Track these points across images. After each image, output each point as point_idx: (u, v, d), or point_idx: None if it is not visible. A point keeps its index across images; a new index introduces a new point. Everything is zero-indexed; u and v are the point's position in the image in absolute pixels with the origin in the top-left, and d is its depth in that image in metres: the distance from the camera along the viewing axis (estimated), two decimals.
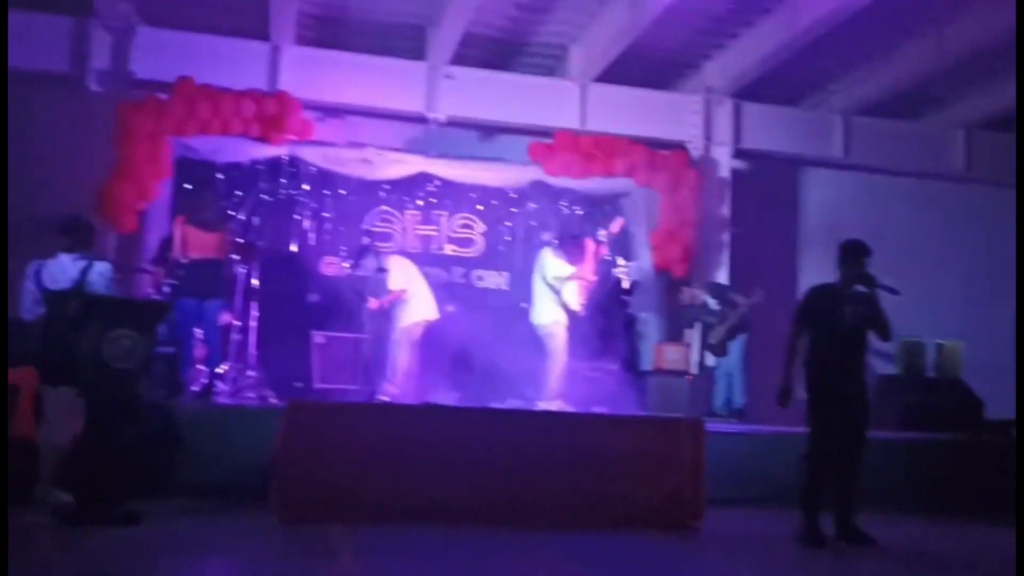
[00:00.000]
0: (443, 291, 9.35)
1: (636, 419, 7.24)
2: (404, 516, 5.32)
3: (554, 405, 8.07)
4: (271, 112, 9.45)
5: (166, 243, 8.12)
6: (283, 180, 9.74)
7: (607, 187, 10.54)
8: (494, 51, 10.65)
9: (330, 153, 9.83)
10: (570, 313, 8.51)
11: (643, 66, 10.61)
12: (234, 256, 7.92)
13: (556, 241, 9.18)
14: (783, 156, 11.69)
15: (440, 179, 10.17)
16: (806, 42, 9.45)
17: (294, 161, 9.74)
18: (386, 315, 8.53)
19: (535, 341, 8.53)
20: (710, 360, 9.94)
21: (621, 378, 9.23)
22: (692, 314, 10.05)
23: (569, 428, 6.15)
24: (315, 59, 10.18)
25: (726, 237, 11.08)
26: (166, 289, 7.66)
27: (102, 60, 9.56)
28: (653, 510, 5.77)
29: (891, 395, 8.92)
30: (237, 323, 8.02)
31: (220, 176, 9.50)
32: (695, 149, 11.09)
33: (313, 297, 9.45)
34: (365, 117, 10.43)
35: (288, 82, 9.90)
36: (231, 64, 9.79)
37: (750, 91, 11.06)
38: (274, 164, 9.70)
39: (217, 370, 7.72)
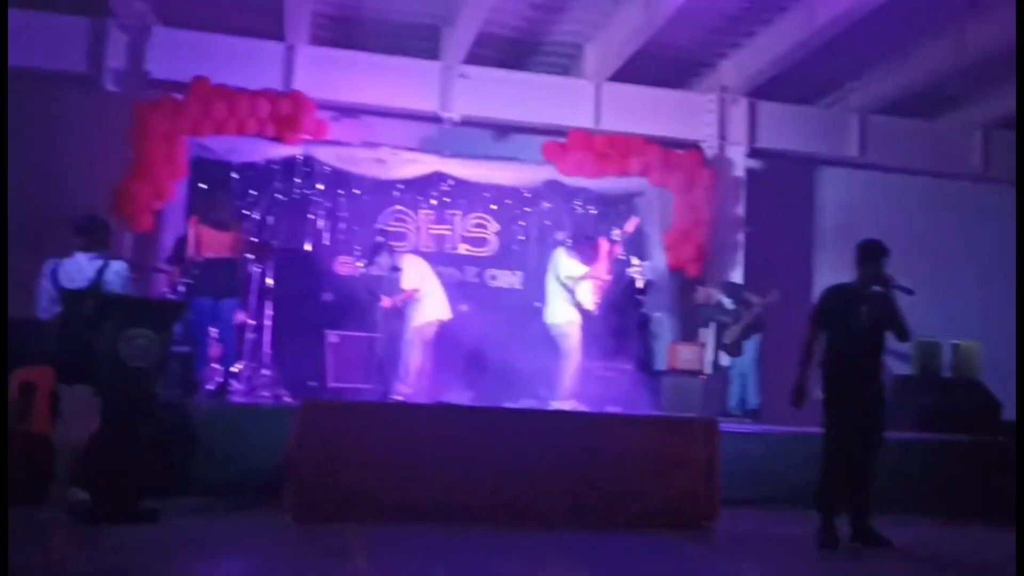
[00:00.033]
0: (457, 290, 9.35)
1: (650, 419, 7.22)
2: (417, 515, 5.32)
3: (568, 405, 8.06)
4: (286, 112, 9.48)
5: (181, 243, 8.16)
6: (298, 180, 9.77)
7: (621, 187, 10.52)
8: (508, 50, 10.65)
9: (344, 153, 9.86)
10: (584, 313, 8.49)
11: (658, 65, 10.58)
12: (249, 255, 7.95)
13: (570, 241, 9.17)
14: (798, 155, 11.63)
15: (454, 178, 10.18)
16: (822, 41, 9.39)
17: (309, 161, 9.77)
18: (399, 314, 8.54)
19: (549, 340, 8.52)
20: (724, 360, 9.92)
21: (635, 378, 9.21)
22: (707, 313, 10.02)
23: (583, 428, 6.14)
24: (330, 59, 10.20)
25: (741, 237, 11.04)
26: (181, 288, 7.70)
27: (118, 60, 9.62)
28: (667, 510, 5.75)
29: (907, 396, 8.85)
30: (252, 322, 8.06)
31: (235, 176, 9.54)
32: (710, 148, 11.05)
33: (327, 296, 9.47)
34: (379, 117, 10.45)
35: (303, 82, 9.93)
36: (246, 64, 9.82)
37: (765, 90, 11.01)
38: (289, 164, 9.74)
39: (232, 369, 7.75)
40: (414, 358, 8.30)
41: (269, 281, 8.12)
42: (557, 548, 5.12)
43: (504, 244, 10.54)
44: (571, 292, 8.44)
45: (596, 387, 8.58)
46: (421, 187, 10.22)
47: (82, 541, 4.66)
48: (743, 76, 10.76)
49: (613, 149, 10.32)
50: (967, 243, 11.62)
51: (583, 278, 8.47)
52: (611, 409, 7.99)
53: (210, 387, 7.63)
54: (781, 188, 11.51)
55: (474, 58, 10.28)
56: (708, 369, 9.67)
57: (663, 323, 10.37)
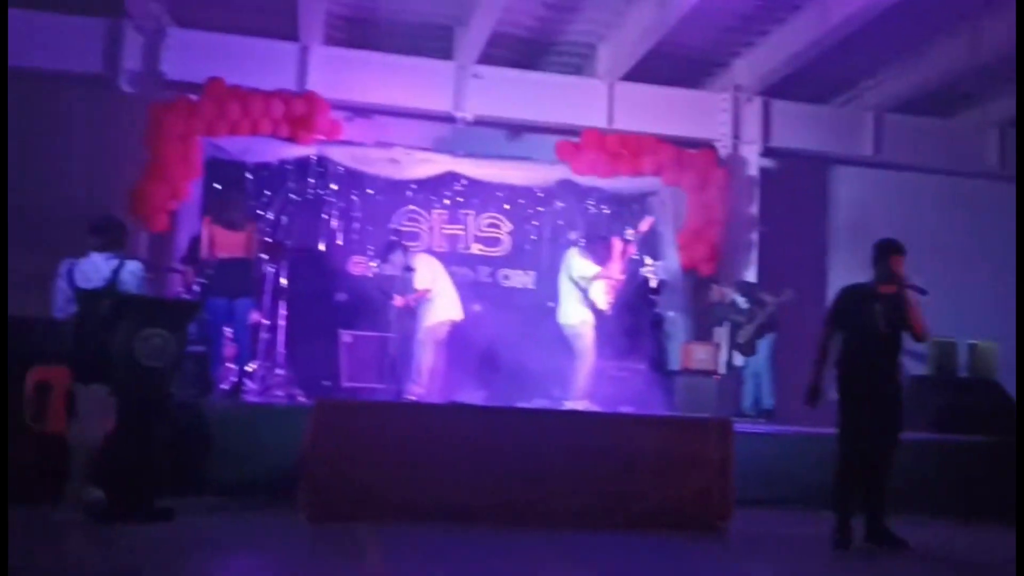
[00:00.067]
0: (470, 290, 9.36)
1: (664, 419, 7.21)
2: (431, 515, 5.33)
3: (581, 405, 8.05)
4: (300, 112, 9.51)
5: (195, 242, 8.19)
6: (311, 180, 9.80)
7: (634, 186, 10.50)
8: (522, 50, 10.65)
9: (358, 153, 9.88)
10: (597, 313, 8.48)
11: (671, 64, 10.55)
12: (263, 255, 7.98)
13: (583, 241, 9.15)
14: (812, 154, 11.58)
15: (467, 178, 10.18)
16: (836, 39, 9.35)
17: (322, 161, 9.80)
18: (413, 314, 8.55)
19: (562, 340, 8.51)
20: (738, 360, 9.88)
21: (648, 378, 9.19)
22: (721, 312, 9.99)
23: (596, 428, 6.13)
24: (343, 59, 10.23)
25: (754, 236, 11.00)
26: (196, 288, 7.73)
27: (134, 61, 9.67)
28: (681, 510, 5.74)
29: (923, 396, 8.79)
30: (266, 322, 8.09)
31: (249, 176, 9.58)
32: (723, 148, 11.02)
33: (341, 296, 9.49)
34: (393, 117, 10.47)
35: (317, 82, 9.95)
36: (261, 65, 9.86)
37: (779, 89, 10.96)
38: (303, 164, 9.76)
39: (246, 369, 7.78)
40: (426, 358, 8.31)
41: (283, 281, 8.16)
42: (569, 548, 5.11)
43: (517, 244, 10.53)
44: (584, 292, 8.43)
45: (609, 387, 8.57)
46: (434, 187, 10.23)
47: (97, 540, 4.68)
48: (757, 75, 10.72)
49: (626, 149, 10.30)
50: (983, 242, 11.53)
51: (596, 278, 8.46)
52: (624, 409, 7.98)
53: (225, 387, 7.66)
54: (795, 187, 11.47)
55: (487, 58, 10.29)
56: (722, 369, 9.63)
57: (677, 323, 10.34)
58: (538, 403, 8.30)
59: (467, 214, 10.49)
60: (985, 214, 11.65)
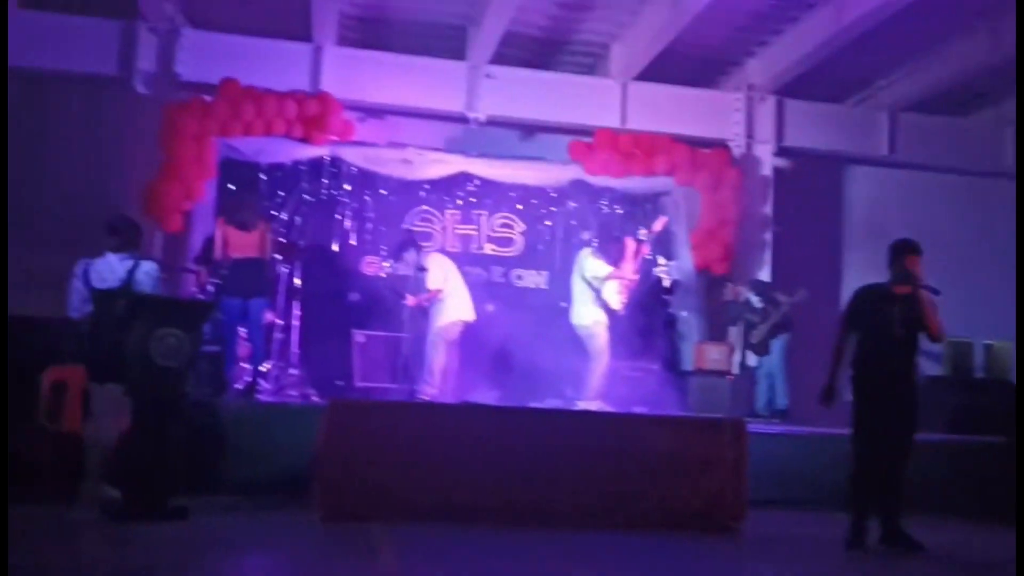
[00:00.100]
0: (483, 290, 9.36)
1: (677, 419, 7.19)
2: (444, 515, 5.33)
3: (594, 405, 8.03)
4: (313, 113, 9.54)
5: (208, 243, 8.23)
6: (325, 180, 9.83)
7: (648, 186, 10.48)
8: (535, 50, 10.65)
9: (371, 153, 9.90)
10: (610, 313, 8.47)
11: (684, 64, 10.53)
12: (276, 256, 8.01)
13: (596, 241, 9.14)
14: (827, 154, 11.53)
15: (480, 178, 10.18)
16: (851, 38, 9.31)
17: (336, 161, 9.82)
18: (425, 314, 8.55)
19: (575, 340, 8.50)
20: (751, 360, 9.85)
21: (662, 378, 9.18)
22: (735, 311, 9.95)
23: (609, 428, 6.12)
24: (356, 60, 10.26)
25: (768, 236, 10.97)
26: (210, 288, 7.76)
27: (148, 62, 9.73)
28: (694, 511, 5.72)
29: (939, 397, 8.73)
30: (280, 322, 8.12)
31: (263, 176, 9.61)
32: (737, 147, 10.99)
33: (354, 296, 9.52)
34: (406, 117, 10.50)
35: (330, 83, 9.98)
36: (274, 65, 9.90)
37: (793, 88, 10.93)
38: (316, 164, 9.79)
39: (260, 368, 7.81)
40: (438, 359, 8.29)
41: (297, 281, 8.19)
42: (582, 549, 5.11)
43: (530, 244, 10.52)
44: (597, 292, 8.42)
45: (623, 387, 8.55)
46: (447, 187, 10.24)
47: (112, 538, 4.71)
48: (770, 74, 10.69)
49: (639, 148, 10.29)
50: (999, 242, 11.44)
51: (609, 278, 8.44)
52: (638, 410, 7.96)
53: (239, 386, 7.69)
54: (809, 187, 11.42)
55: (500, 58, 10.29)
56: (735, 370, 9.60)
57: (690, 323, 10.32)
58: (551, 403, 8.29)
59: (480, 214, 10.50)
60: (1001, 214, 11.56)
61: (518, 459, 5.62)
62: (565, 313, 8.74)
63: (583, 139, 10.37)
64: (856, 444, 5.44)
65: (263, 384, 7.78)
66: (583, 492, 5.63)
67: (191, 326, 5.27)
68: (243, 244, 7.71)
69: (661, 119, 10.68)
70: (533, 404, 7.98)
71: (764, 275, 10.61)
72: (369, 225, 10.01)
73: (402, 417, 5.85)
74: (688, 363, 9.89)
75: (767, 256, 10.91)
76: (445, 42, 10.40)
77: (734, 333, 10.18)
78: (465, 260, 9.82)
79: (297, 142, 9.59)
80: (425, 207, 10.29)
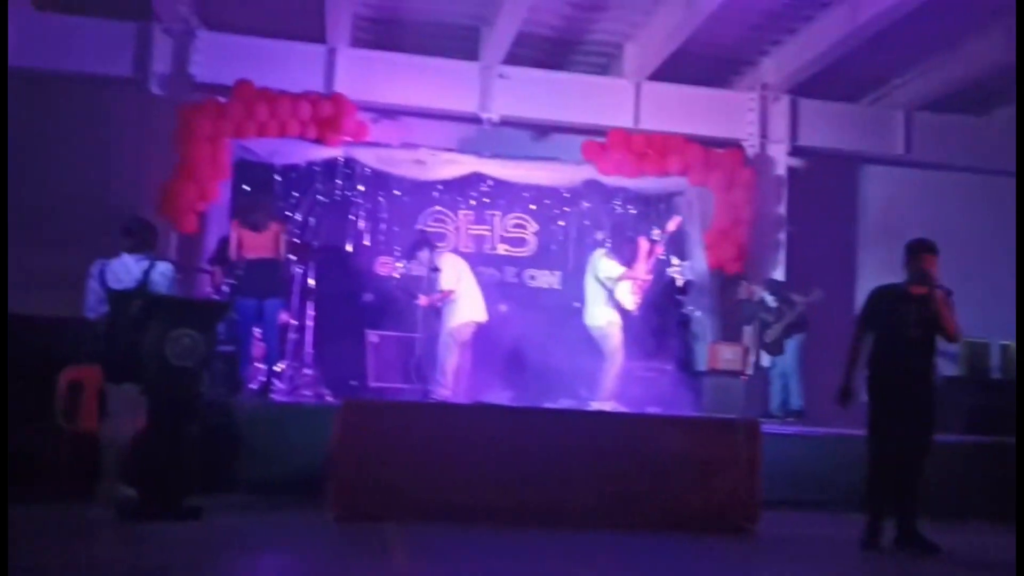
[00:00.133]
0: (496, 291, 9.36)
1: (691, 420, 7.18)
2: (457, 515, 5.33)
3: (608, 405, 8.02)
4: (327, 114, 9.56)
5: (223, 243, 8.26)
6: (339, 181, 9.87)
7: (661, 186, 10.46)
8: (548, 50, 10.64)
9: (384, 154, 9.92)
10: (624, 313, 8.46)
11: (698, 64, 10.50)
12: (291, 256, 8.04)
13: (609, 242, 9.13)
14: (842, 153, 11.48)
15: (493, 179, 10.19)
16: (866, 37, 9.26)
17: (349, 162, 9.85)
18: (438, 314, 8.56)
19: (588, 341, 8.49)
20: (765, 361, 9.81)
21: (675, 378, 9.15)
22: (749, 310, 9.91)
23: (623, 429, 6.11)
24: (370, 61, 10.28)
25: (782, 236, 10.92)
26: (225, 289, 7.80)
27: (163, 64, 9.78)
28: (708, 512, 5.71)
29: (955, 397, 8.68)
30: (294, 322, 8.15)
31: (278, 178, 9.65)
32: (751, 147, 10.95)
33: (368, 297, 9.54)
34: (419, 118, 10.51)
35: (344, 84, 10.01)
36: (288, 67, 9.93)
37: (807, 87, 10.88)
38: (330, 165, 9.82)
39: (275, 368, 7.84)
40: (451, 360, 8.29)
41: (311, 282, 8.21)
42: (596, 549, 5.10)
43: (543, 244, 10.53)
44: (610, 293, 8.41)
45: (636, 388, 8.53)
46: (460, 188, 10.25)
47: (128, 537, 4.73)
48: (784, 74, 10.64)
49: (652, 148, 10.27)
50: (1016, 241, 11.36)
51: (622, 278, 8.43)
52: (651, 410, 7.94)
53: (254, 386, 7.72)
54: (824, 186, 11.37)
55: (513, 58, 10.29)
56: (749, 370, 9.57)
57: (704, 323, 10.29)
58: (564, 404, 8.29)
59: (493, 215, 10.50)
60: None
61: (531, 459, 5.62)
62: (578, 313, 8.73)
63: (596, 139, 10.36)
64: (871, 445, 5.41)
65: (277, 384, 7.81)
66: (596, 492, 5.62)
67: (206, 326, 5.29)
68: (257, 245, 7.74)
69: (675, 119, 10.65)
70: (546, 404, 7.97)
71: (778, 275, 10.57)
72: (383, 226, 10.04)
73: (415, 417, 5.87)
74: (702, 363, 9.87)
75: (781, 256, 10.87)
76: (458, 43, 10.41)
77: (748, 333, 10.15)
78: (478, 260, 9.84)
79: (311, 143, 9.62)
80: (438, 208, 10.32)
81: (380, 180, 9.96)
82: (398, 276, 9.48)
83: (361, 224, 9.93)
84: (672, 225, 9.17)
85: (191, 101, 9.44)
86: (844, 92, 11.23)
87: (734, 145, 10.84)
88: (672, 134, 10.43)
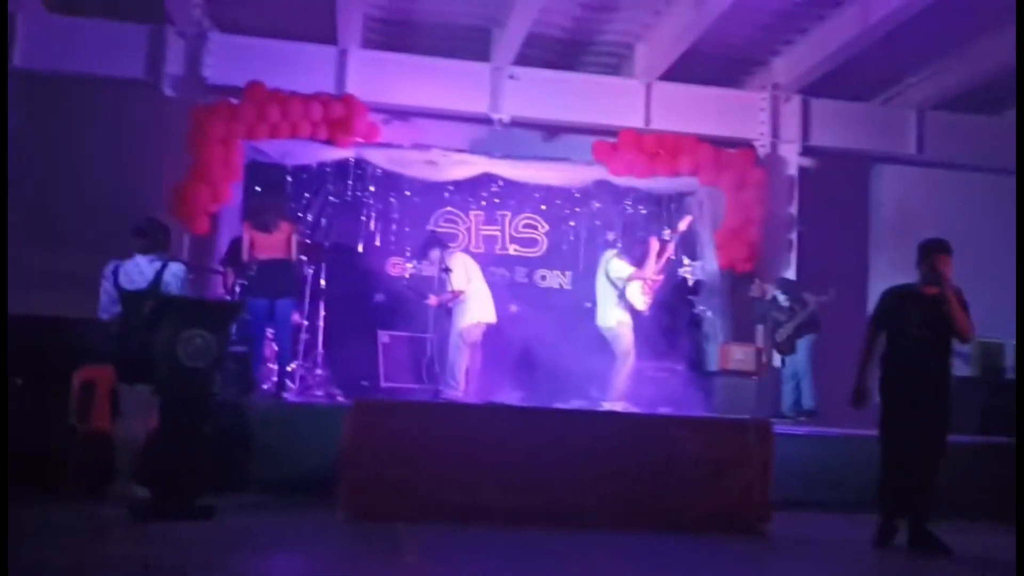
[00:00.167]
0: (506, 291, 9.37)
1: (702, 420, 7.16)
2: (468, 515, 5.34)
3: (619, 406, 8.02)
4: (338, 115, 9.59)
5: (234, 244, 8.29)
6: (350, 182, 9.89)
7: (672, 186, 10.45)
8: (558, 51, 10.64)
9: (395, 155, 9.94)
10: (635, 313, 8.45)
11: (709, 64, 10.48)
12: (302, 257, 8.06)
13: (620, 242, 9.12)
14: (853, 153, 11.44)
15: (504, 179, 10.19)
16: (878, 36, 9.22)
17: (361, 163, 9.87)
18: (449, 314, 8.58)
19: (599, 341, 8.49)
20: (777, 361, 9.78)
21: (687, 379, 9.14)
22: (761, 308, 9.88)
23: (634, 429, 6.11)
24: (381, 62, 10.30)
25: (793, 236, 10.89)
26: (237, 289, 7.83)
27: (176, 66, 9.83)
28: (720, 513, 5.69)
29: (968, 397, 8.62)
30: (305, 322, 8.17)
31: (289, 179, 9.68)
32: (762, 147, 10.93)
33: (379, 297, 9.56)
34: (430, 119, 10.52)
35: (355, 85, 10.04)
36: (300, 68, 9.96)
37: (818, 87, 10.84)
38: (341, 166, 9.85)
39: (287, 369, 7.86)
40: (461, 360, 8.30)
41: (322, 282, 8.23)
42: (607, 550, 5.10)
43: (554, 244, 10.52)
44: (621, 292, 8.40)
45: (647, 388, 8.52)
46: (471, 188, 10.26)
47: (141, 537, 4.76)
48: (795, 73, 10.61)
49: (663, 149, 10.26)
50: None
51: (632, 278, 8.43)
52: (662, 410, 7.93)
53: (266, 386, 7.74)
54: (835, 186, 11.33)
55: (524, 59, 10.29)
56: (761, 370, 9.54)
57: (715, 323, 10.27)
58: (575, 404, 8.28)
59: (504, 215, 10.51)
60: None
61: (542, 460, 5.62)
62: (589, 313, 8.73)
63: (607, 139, 10.35)
64: (883, 445, 5.40)
65: (289, 384, 7.83)
66: (607, 493, 5.62)
67: (218, 327, 5.31)
68: (269, 245, 7.77)
69: (685, 119, 10.63)
70: (557, 405, 7.97)
71: (789, 275, 10.53)
72: (394, 226, 10.05)
73: (427, 418, 5.87)
74: (713, 364, 9.85)
75: (792, 256, 10.84)
76: (469, 44, 10.42)
77: (760, 332, 10.12)
78: (489, 261, 9.84)
79: (323, 144, 9.64)
80: (449, 208, 10.33)
81: (391, 181, 9.98)
82: (407, 276, 9.50)
83: (372, 225, 9.95)
84: (683, 225, 9.16)
85: (203, 103, 9.48)
86: (856, 92, 11.19)
87: (745, 145, 10.81)
88: (683, 134, 10.42)
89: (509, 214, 10.49)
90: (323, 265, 8.48)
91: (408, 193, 10.08)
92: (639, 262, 8.52)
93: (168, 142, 9.31)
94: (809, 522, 6.23)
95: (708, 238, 10.37)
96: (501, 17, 9.88)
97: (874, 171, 11.79)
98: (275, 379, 7.79)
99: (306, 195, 9.79)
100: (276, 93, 9.52)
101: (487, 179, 10.17)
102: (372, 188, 9.95)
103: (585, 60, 10.93)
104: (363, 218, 9.94)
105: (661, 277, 8.77)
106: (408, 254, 9.76)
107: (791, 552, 5.50)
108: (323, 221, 9.83)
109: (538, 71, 10.55)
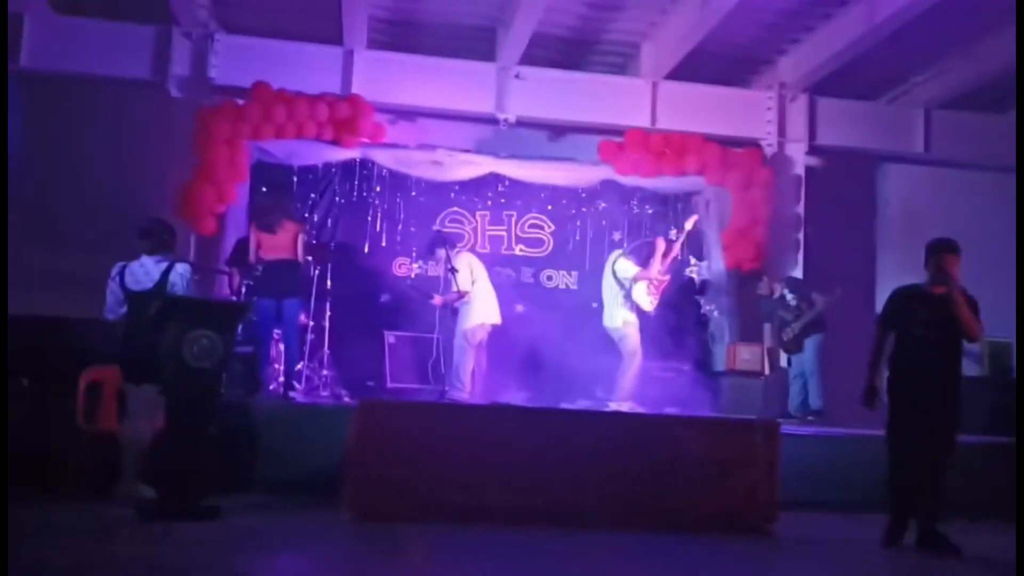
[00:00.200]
0: (512, 291, 9.36)
1: (709, 420, 7.14)
2: (473, 516, 5.33)
3: (625, 406, 8.01)
4: (344, 115, 9.60)
5: (240, 245, 8.30)
6: (356, 182, 9.90)
7: (678, 186, 10.43)
8: (564, 50, 10.64)
9: (401, 155, 9.94)
10: (641, 313, 8.44)
11: (715, 63, 10.46)
12: (308, 257, 8.06)
13: (626, 242, 9.11)
14: (860, 152, 11.40)
15: (510, 179, 10.19)
16: (885, 35, 9.19)
17: (366, 163, 9.88)
18: (454, 314, 8.57)
19: (605, 341, 8.48)
20: (784, 361, 9.76)
21: (693, 378, 9.13)
22: (768, 306, 9.85)
23: (640, 430, 6.09)
24: (387, 62, 10.31)
25: (800, 235, 10.86)
26: (243, 290, 7.83)
27: (182, 67, 9.84)
28: (726, 513, 5.68)
29: (977, 397, 8.57)
30: (311, 323, 8.17)
31: (295, 179, 9.69)
32: (768, 146, 10.91)
33: (385, 297, 9.57)
34: (436, 119, 10.52)
35: (360, 85, 10.04)
36: (306, 69, 9.98)
37: (825, 86, 10.81)
38: (347, 167, 9.86)
39: (294, 369, 7.86)
40: (466, 361, 8.29)
41: (328, 282, 8.23)
42: (613, 550, 5.09)
43: (560, 244, 10.52)
44: (627, 293, 8.39)
45: (654, 388, 8.52)
46: (477, 188, 10.26)
47: (147, 537, 4.76)
48: (802, 72, 10.58)
49: (670, 148, 10.24)
50: None
51: (639, 278, 8.42)
52: (669, 410, 7.92)
53: (272, 387, 7.75)
54: (842, 185, 11.29)
55: (529, 59, 10.29)
56: (768, 370, 9.52)
57: (722, 324, 10.25)
58: (581, 404, 8.27)
59: (510, 215, 10.50)
60: None
61: (548, 460, 5.61)
62: (595, 314, 8.72)
63: (613, 139, 10.34)
64: (890, 445, 5.38)
65: (296, 385, 7.84)
66: (613, 493, 5.61)
67: (224, 327, 5.31)
68: (275, 246, 7.77)
69: (692, 118, 10.62)
70: (563, 405, 7.96)
71: (796, 275, 10.50)
72: (400, 227, 10.06)
73: (432, 418, 5.86)
74: (720, 364, 9.83)
75: (799, 256, 10.81)
76: (474, 44, 10.41)
77: (767, 331, 10.09)
78: (495, 261, 9.85)
79: (328, 144, 9.65)
80: (455, 208, 10.33)
81: (397, 181, 9.98)
82: (413, 276, 9.50)
83: (378, 225, 9.96)
84: (689, 225, 9.14)
85: (209, 103, 9.50)
86: (862, 90, 11.16)
87: (752, 144, 10.79)
88: (689, 133, 10.40)
89: (515, 214, 10.49)
90: (329, 265, 8.49)
91: (414, 193, 10.08)
92: (645, 262, 8.50)
93: (174, 143, 9.32)
94: (816, 522, 6.21)
95: (715, 238, 10.35)
96: (506, 17, 9.87)
97: (881, 170, 11.75)
98: (281, 379, 7.80)
99: (312, 195, 9.81)
100: (282, 93, 9.53)
101: (493, 179, 10.17)
102: (378, 188, 9.96)
103: (591, 60, 10.92)
104: (369, 218, 9.95)
105: (667, 277, 8.76)
106: (414, 254, 9.76)
107: (797, 552, 5.48)
108: (329, 221, 9.84)
109: (544, 71, 10.54)
